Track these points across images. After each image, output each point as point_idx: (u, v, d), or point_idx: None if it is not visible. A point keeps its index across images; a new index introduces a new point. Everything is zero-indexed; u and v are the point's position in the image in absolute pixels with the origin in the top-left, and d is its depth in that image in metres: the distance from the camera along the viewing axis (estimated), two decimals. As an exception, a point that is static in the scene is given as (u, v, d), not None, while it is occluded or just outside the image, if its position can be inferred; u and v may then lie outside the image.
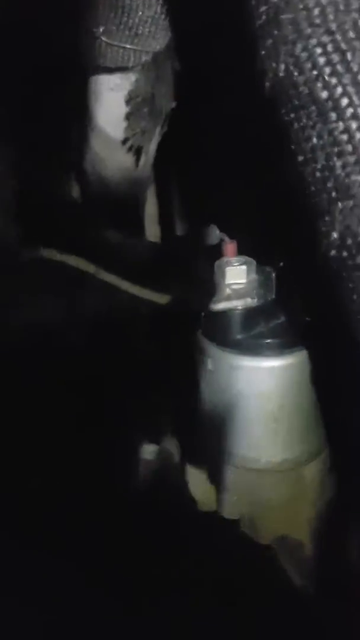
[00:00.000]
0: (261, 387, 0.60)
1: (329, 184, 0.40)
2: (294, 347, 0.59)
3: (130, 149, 0.86)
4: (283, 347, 0.59)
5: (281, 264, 0.60)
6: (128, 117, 0.84)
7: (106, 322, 0.57)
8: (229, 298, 0.58)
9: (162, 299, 0.54)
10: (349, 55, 0.39)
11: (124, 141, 0.87)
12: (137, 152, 0.85)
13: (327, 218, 0.41)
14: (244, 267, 0.57)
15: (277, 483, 0.65)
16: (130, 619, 0.85)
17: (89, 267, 0.54)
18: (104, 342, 0.83)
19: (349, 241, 0.40)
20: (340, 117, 0.40)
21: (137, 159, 0.89)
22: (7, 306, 0.57)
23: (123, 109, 0.88)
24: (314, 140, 0.41)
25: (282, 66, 0.42)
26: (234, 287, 0.57)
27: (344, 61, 0.39)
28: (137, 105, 0.83)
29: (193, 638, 0.86)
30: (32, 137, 0.83)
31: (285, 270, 0.60)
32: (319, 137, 0.41)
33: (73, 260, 0.54)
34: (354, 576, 0.76)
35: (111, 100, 0.89)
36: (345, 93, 0.39)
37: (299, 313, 0.59)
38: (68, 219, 0.65)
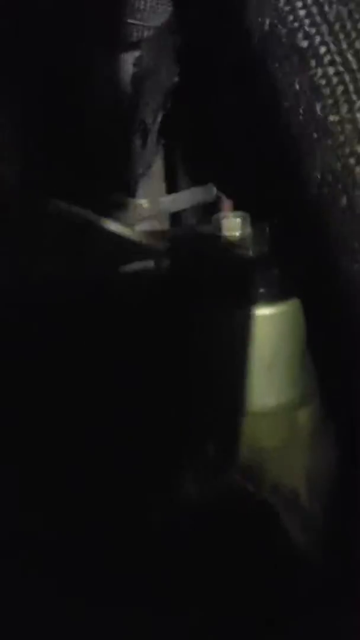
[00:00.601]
0: (255, 334, 0.63)
1: (311, 127, 0.44)
2: (287, 296, 0.63)
3: (139, 124, 0.90)
4: (276, 296, 0.63)
5: (275, 219, 0.64)
6: (138, 91, 0.88)
7: (109, 269, 0.61)
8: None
9: (160, 244, 0.58)
10: (326, 7, 0.43)
11: (130, 114, 0.91)
12: (142, 126, 0.89)
13: (310, 158, 0.45)
14: (238, 220, 0.61)
15: (271, 427, 0.68)
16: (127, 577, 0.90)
17: (92, 216, 0.58)
18: (108, 291, 0.87)
19: (329, 178, 0.44)
20: (319, 63, 0.43)
21: (143, 134, 0.93)
22: (12, 253, 0.61)
23: (130, 86, 0.92)
24: (297, 86, 0.45)
25: (267, 20, 0.46)
26: (229, 239, 0.61)
27: (322, 12, 0.43)
28: (140, 80, 0.87)
29: (192, 593, 0.90)
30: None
31: (279, 224, 0.63)
32: (301, 83, 0.45)
33: (77, 210, 0.58)
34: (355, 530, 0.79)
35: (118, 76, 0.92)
36: (323, 42, 0.43)
37: (291, 264, 0.63)
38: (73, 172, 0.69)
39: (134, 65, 0.89)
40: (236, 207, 0.65)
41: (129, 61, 0.91)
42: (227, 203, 0.64)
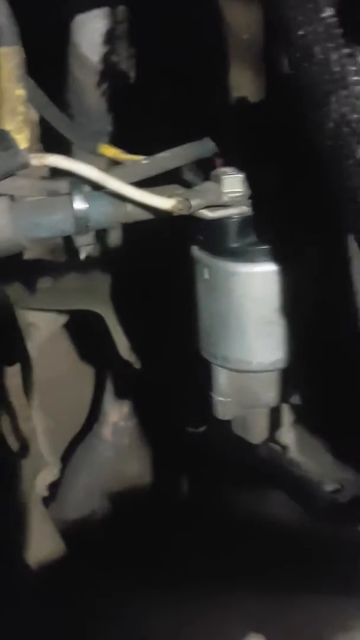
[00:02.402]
0: (256, 291, 0.63)
1: (326, 77, 0.44)
2: (287, 254, 0.63)
3: (115, 74, 0.87)
4: (276, 254, 0.63)
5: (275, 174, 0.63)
6: (115, 42, 0.85)
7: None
8: (226, 206, 0.61)
9: (165, 203, 0.57)
10: None
11: (109, 67, 0.88)
12: (124, 77, 0.87)
13: (323, 109, 0.44)
14: (240, 175, 0.60)
15: (268, 383, 0.69)
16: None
17: (93, 174, 0.56)
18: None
19: (344, 129, 0.43)
20: (336, 13, 0.43)
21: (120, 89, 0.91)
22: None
23: (107, 36, 0.89)
24: (310, 36, 0.44)
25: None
26: (231, 195, 0.60)
27: None
28: (125, 30, 0.84)
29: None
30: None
31: (279, 180, 0.63)
32: (315, 32, 0.44)
33: (78, 167, 0.56)
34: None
35: (96, 27, 0.90)
36: (339, -11, 0.42)
37: (291, 221, 0.63)
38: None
39: (117, 16, 0.86)
40: (227, 164, 0.64)
41: (109, 13, 0.88)
42: (218, 160, 0.64)
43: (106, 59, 0.88)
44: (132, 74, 0.86)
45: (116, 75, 0.88)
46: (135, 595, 0.88)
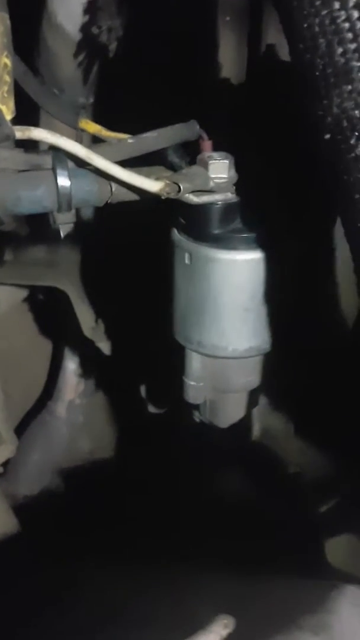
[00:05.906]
0: (236, 278, 0.64)
1: (329, 70, 0.44)
2: (268, 242, 0.63)
3: (94, 46, 0.85)
4: (258, 241, 0.63)
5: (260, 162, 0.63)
6: (96, 13, 0.83)
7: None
8: (211, 192, 0.60)
9: (153, 186, 0.56)
10: None
11: (87, 38, 0.86)
12: (103, 50, 0.84)
13: (325, 102, 0.44)
14: (226, 161, 0.60)
15: (241, 369, 0.70)
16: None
17: (80, 151, 0.54)
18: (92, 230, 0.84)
19: (345, 123, 0.44)
20: (343, 6, 0.43)
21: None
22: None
23: (85, 7, 0.86)
24: (316, 28, 0.44)
25: None
26: (217, 181, 0.60)
27: None
28: (107, 1, 0.82)
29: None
30: None
31: (262, 169, 0.63)
32: (321, 25, 0.44)
33: (64, 142, 0.54)
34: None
35: None
36: (348, -17, 0.42)
37: (275, 209, 0.63)
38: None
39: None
40: (216, 148, 0.63)
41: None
42: (207, 143, 0.63)
43: (84, 30, 0.85)
44: (112, 48, 0.83)
45: (94, 48, 0.85)
46: (90, 574, 0.88)
